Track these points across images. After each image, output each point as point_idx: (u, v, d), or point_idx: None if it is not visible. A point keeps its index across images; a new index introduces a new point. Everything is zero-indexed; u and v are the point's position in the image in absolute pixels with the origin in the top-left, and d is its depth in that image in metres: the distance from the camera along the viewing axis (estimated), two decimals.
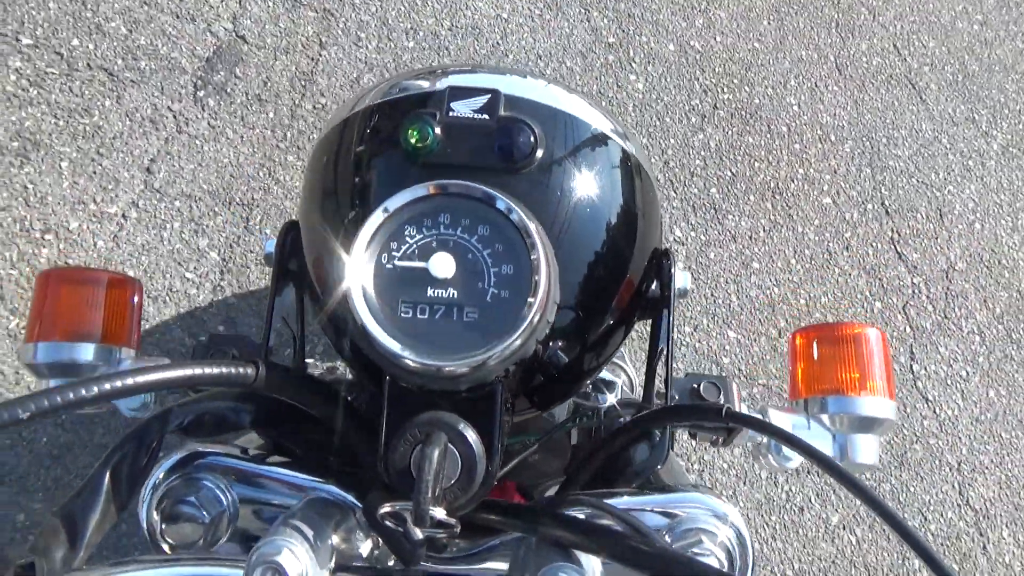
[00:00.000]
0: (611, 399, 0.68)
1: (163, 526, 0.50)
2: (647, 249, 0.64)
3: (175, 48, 2.10)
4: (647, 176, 0.65)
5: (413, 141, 0.54)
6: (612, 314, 0.62)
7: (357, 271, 0.46)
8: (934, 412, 2.27)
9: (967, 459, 2.23)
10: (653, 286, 0.65)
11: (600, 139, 0.61)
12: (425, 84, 0.60)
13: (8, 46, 1.96)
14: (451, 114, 0.56)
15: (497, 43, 2.40)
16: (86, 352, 0.63)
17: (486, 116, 0.56)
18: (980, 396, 2.33)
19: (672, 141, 2.43)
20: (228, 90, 2.10)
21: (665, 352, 0.63)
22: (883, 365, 0.66)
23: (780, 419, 0.66)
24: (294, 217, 0.65)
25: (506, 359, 0.45)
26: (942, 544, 2.09)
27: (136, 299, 0.67)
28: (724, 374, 0.67)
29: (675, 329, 2.13)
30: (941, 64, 2.90)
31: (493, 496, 0.81)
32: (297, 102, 2.14)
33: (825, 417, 0.65)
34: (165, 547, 0.50)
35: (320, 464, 0.55)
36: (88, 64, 2.01)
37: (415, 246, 0.48)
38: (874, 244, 2.46)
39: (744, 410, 0.66)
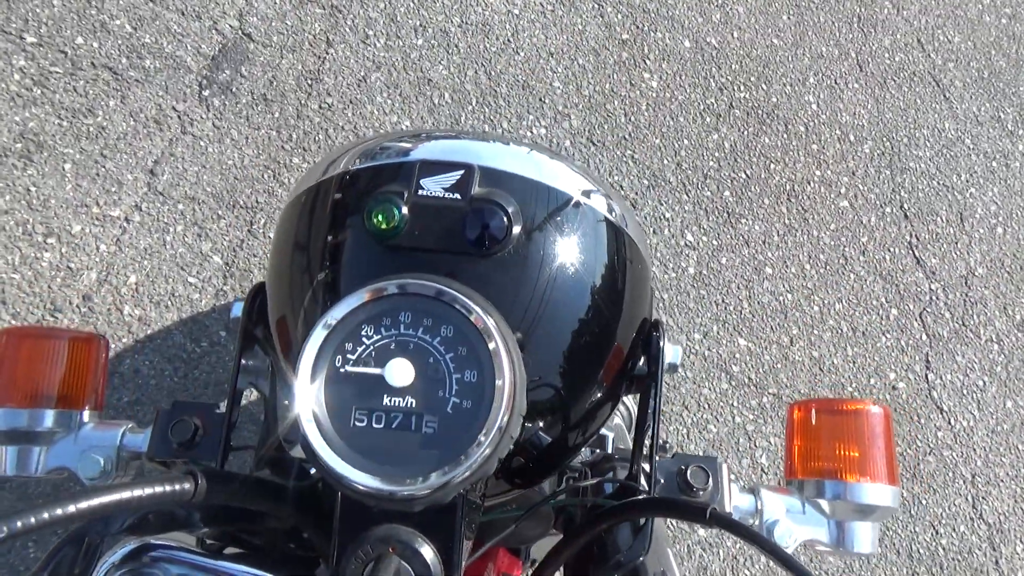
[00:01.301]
0: (590, 478, 0.65)
1: None
2: (635, 321, 0.61)
3: (180, 46, 2.08)
4: (634, 243, 0.61)
5: (378, 223, 0.51)
6: (598, 389, 0.59)
7: (303, 393, 0.43)
8: (949, 423, 2.22)
9: (982, 472, 2.19)
10: (641, 361, 0.62)
11: (583, 210, 0.57)
12: (400, 152, 0.56)
13: (13, 45, 1.95)
14: (420, 193, 0.53)
15: (508, 40, 2.35)
16: (45, 418, 0.61)
17: (457, 196, 0.52)
18: (997, 407, 2.27)
19: (686, 142, 2.37)
20: (233, 89, 2.08)
21: (653, 430, 0.60)
22: (886, 446, 0.62)
23: (772, 502, 0.63)
24: (263, 279, 0.62)
25: (464, 481, 0.42)
26: (953, 559, 2.05)
27: (100, 357, 0.65)
28: (714, 455, 0.63)
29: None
30: (966, 60, 2.81)
31: (478, 562, 0.79)
32: (303, 102, 2.11)
33: (822, 501, 0.62)
34: None
35: (279, 555, 0.53)
36: (92, 63, 1.99)
37: (372, 348, 0.45)
38: (891, 249, 2.40)
39: (735, 492, 0.63)
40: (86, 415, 0.64)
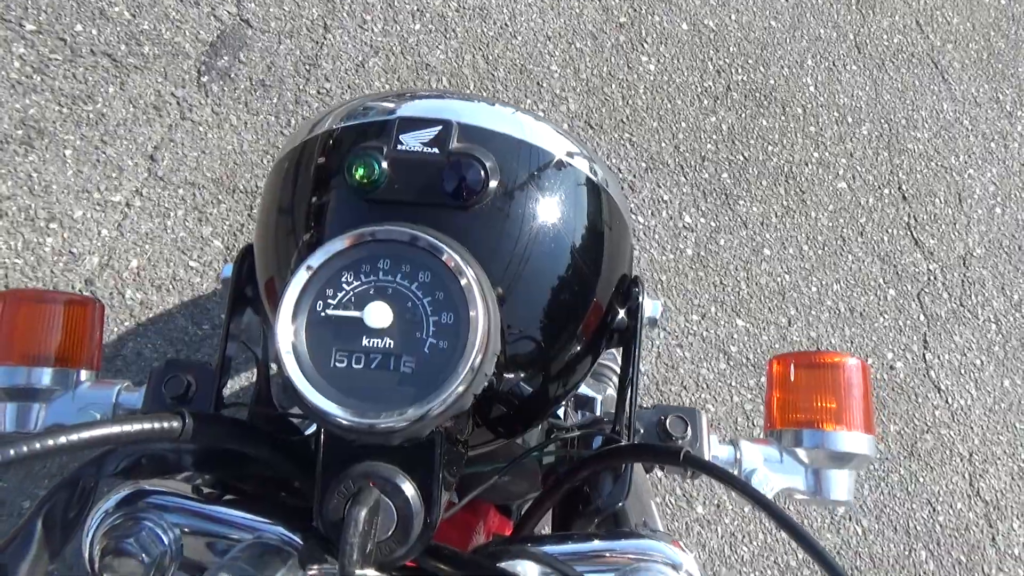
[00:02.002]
0: (575, 431, 0.67)
1: (103, 565, 0.50)
2: (614, 276, 0.63)
3: (179, 32, 2.09)
4: (615, 203, 0.63)
5: (359, 177, 0.53)
6: (577, 342, 0.60)
7: (285, 331, 0.45)
8: (946, 402, 2.23)
9: (979, 450, 2.20)
10: (621, 314, 0.64)
11: (563, 167, 0.58)
12: (381, 111, 0.58)
13: (12, 32, 1.96)
14: (399, 148, 0.54)
15: (505, 24, 2.36)
16: (43, 376, 0.63)
17: (435, 150, 0.54)
18: (994, 385, 2.28)
19: (684, 124, 2.38)
20: (232, 75, 2.09)
21: (632, 382, 0.61)
22: (863, 397, 0.64)
23: (751, 452, 0.64)
24: (251, 240, 0.64)
25: (440, 415, 0.44)
26: (950, 535, 2.07)
27: (95, 320, 0.67)
28: (693, 407, 0.64)
29: (686, 336, 2.09)
30: (965, 41, 2.81)
31: (465, 518, 0.81)
32: (301, 87, 2.12)
33: (800, 451, 0.64)
34: None
35: (270, 502, 0.54)
36: (92, 50, 2.00)
37: (351, 294, 0.46)
38: (889, 230, 2.41)
39: (714, 443, 0.65)
40: (83, 374, 0.65)
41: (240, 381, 1.77)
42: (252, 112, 2.06)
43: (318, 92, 2.12)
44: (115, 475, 0.50)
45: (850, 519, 2.03)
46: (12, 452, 0.36)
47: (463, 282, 0.45)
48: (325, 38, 2.19)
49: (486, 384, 0.46)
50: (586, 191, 0.60)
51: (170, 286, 1.85)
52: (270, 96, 2.09)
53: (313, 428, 0.69)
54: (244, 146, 2.01)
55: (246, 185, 1.97)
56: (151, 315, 1.82)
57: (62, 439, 0.38)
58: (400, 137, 0.54)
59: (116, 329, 1.79)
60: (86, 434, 0.39)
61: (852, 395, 0.63)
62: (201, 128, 2.00)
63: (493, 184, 0.54)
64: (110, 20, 2.05)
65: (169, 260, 1.87)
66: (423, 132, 0.54)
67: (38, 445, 0.37)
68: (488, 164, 0.53)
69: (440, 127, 0.54)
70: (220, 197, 1.95)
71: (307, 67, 2.15)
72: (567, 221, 0.58)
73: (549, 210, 0.57)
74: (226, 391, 0.65)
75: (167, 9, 2.10)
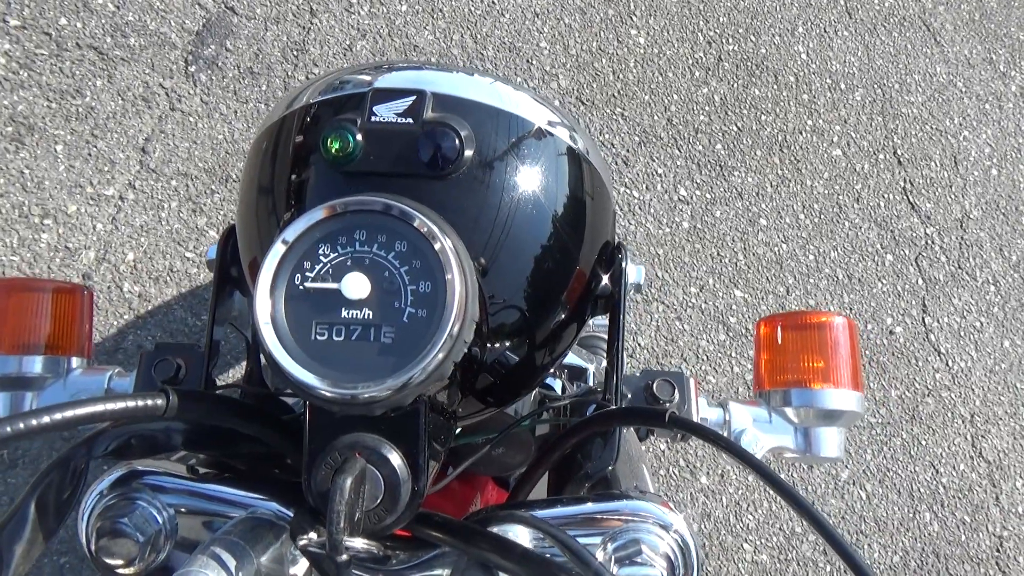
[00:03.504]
0: (565, 400, 0.67)
1: (99, 546, 0.50)
2: (597, 243, 0.63)
3: (164, 23, 2.08)
4: (595, 170, 0.63)
5: (334, 150, 0.52)
6: (562, 310, 0.61)
7: (263, 305, 0.45)
8: (947, 365, 2.23)
9: (980, 411, 2.20)
10: (604, 281, 0.64)
11: (541, 135, 0.58)
12: (357, 84, 0.58)
13: None
14: (373, 119, 0.54)
15: (492, 2, 2.34)
16: (34, 364, 0.63)
17: (410, 120, 0.53)
18: (994, 347, 2.29)
19: (676, 97, 2.37)
20: (219, 64, 2.08)
21: (617, 347, 0.61)
22: (850, 355, 0.64)
23: (740, 412, 0.65)
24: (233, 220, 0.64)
25: (421, 383, 0.44)
26: (954, 496, 2.08)
27: (85, 307, 0.67)
28: (681, 370, 0.65)
29: (685, 307, 2.08)
30: (957, 2, 2.79)
31: (462, 490, 0.82)
32: (290, 73, 2.11)
33: (788, 410, 0.64)
34: (103, 566, 0.50)
35: (262, 478, 0.55)
36: (77, 43, 1.99)
37: (329, 266, 0.46)
38: (886, 195, 2.40)
39: (703, 405, 0.65)
40: (75, 361, 0.66)
41: (234, 368, 1.78)
42: (241, 100, 2.05)
43: (306, 76, 2.11)
44: (106, 455, 0.50)
45: (854, 483, 2.05)
46: None
47: (437, 247, 0.46)
48: (312, 23, 2.18)
49: (466, 351, 0.46)
50: (567, 160, 0.60)
51: (167, 278, 1.85)
52: (259, 83, 2.08)
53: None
54: (235, 135, 2.01)
55: (239, 174, 1.96)
56: (150, 307, 1.82)
57: (45, 418, 0.38)
58: (374, 108, 0.54)
59: (115, 323, 1.79)
60: (71, 412, 0.39)
61: (839, 353, 0.63)
62: (191, 118, 2.00)
63: (469, 153, 0.54)
64: (94, 12, 2.03)
65: (165, 252, 1.87)
66: (397, 103, 0.54)
67: (22, 425, 0.37)
68: (464, 133, 0.53)
69: (414, 97, 0.54)
70: (213, 187, 1.94)
71: (295, 53, 2.14)
72: (547, 189, 0.58)
73: (529, 179, 0.57)
74: (221, 376, 0.66)
75: None
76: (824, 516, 0.44)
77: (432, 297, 0.45)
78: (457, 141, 0.53)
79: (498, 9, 2.33)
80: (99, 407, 0.41)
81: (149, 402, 0.44)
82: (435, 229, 0.46)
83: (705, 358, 2.09)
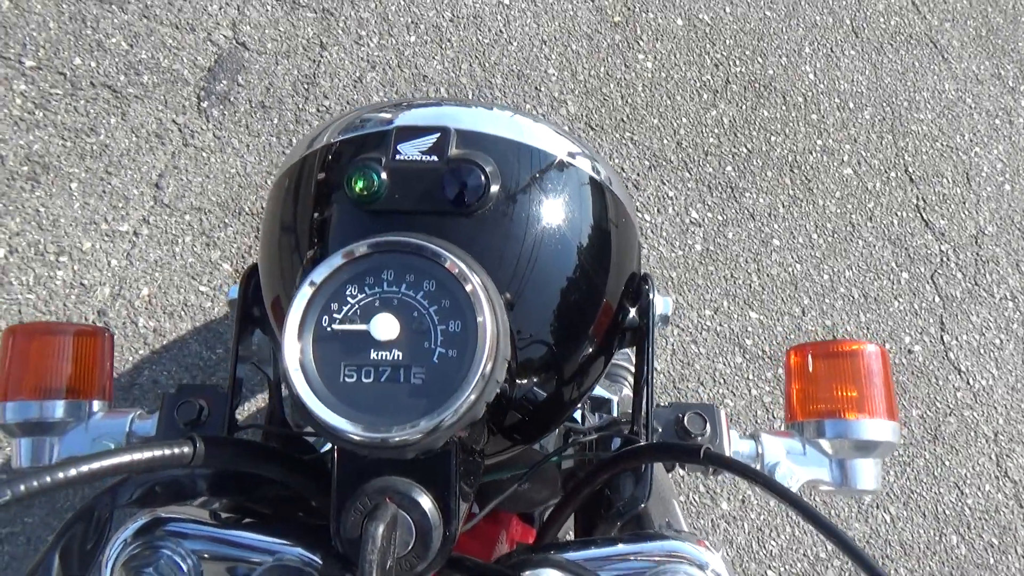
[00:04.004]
0: (592, 434, 0.66)
1: None
2: (623, 275, 0.62)
3: (176, 60, 2.10)
4: (619, 201, 0.62)
5: (358, 189, 0.52)
6: (589, 344, 0.60)
7: (292, 348, 0.45)
8: (967, 383, 2.20)
9: (1004, 429, 2.17)
10: (632, 313, 0.63)
11: (565, 168, 0.58)
12: (380, 122, 0.57)
13: (12, 70, 1.98)
14: (397, 157, 0.53)
15: (500, 31, 2.36)
16: (55, 409, 0.63)
17: (435, 157, 0.53)
18: (1015, 364, 2.26)
19: (685, 120, 2.37)
20: (231, 99, 2.10)
21: (647, 380, 0.60)
22: (884, 384, 0.63)
23: (773, 445, 0.63)
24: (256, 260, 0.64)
25: (453, 425, 0.43)
26: (980, 518, 2.04)
27: (106, 349, 0.67)
28: (712, 403, 0.64)
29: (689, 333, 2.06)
30: (963, 19, 2.79)
31: (487, 528, 0.80)
32: (301, 106, 2.13)
33: (823, 441, 0.63)
34: None
35: (287, 522, 0.54)
36: (91, 82, 2.02)
37: (357, 307, 0.46)
38: (899, 213, 2.39)
39: (735, 438, 0.64)
40: (96, 405, 0.65)
41: (254, 403, 1.77)
42: (253, 134, 2.06)
43: (317, 110, 2.13)
44: (130, 504, 0.50)
45: (878, 507, 2.01)
46: (23, 487, 0.36)
47: (468, 288, 0.45)
48: (322, 56, 2.20)
49: (498, 391, 0.45)
50: (590, 190, 0.59)
51: (182, 312, 1.85)
52: (270, 117, 2.09)
53: (328, 446, 0.68)
54: (247, 168, 2.02)
55: (251, 207, 1.97)
56: (165, 342, 1.83)
57: (72, 471, 0.38)
58: (398, 147, 0.54)
59: (131, 358, 1.79)
60: (98, 464, 0.39)
61: (872, 382, 0.62)
62: (204, 153, 2.01)
63: (495, 189, 0.53)
64: (108, 52, 2.06)
65: (179, 286, 1.87)
66: (421, 140, 0.54)
67: (48, 479, 0.37)
68: (488, 168, 0.53)
69: (438, 134, 0.54)
70: (227, 220, 1.95)
71: (305, 86, 2.15)
72: (572, 222, 0.57)
73: (553, 212, 0.56)
74: (239, 414, 0.65)
75: (163, 37, 2.11)
76: (865, 552, 0.42)
77: (462, 337, 0.45)
78: (483, 177, 0.52)
79: (506, 37, 2.35)
80: (126, 458, 0.40)
81: (176, 450, 0.43)
82: (465, 269, 0.45)
83: (722, 381, 2.07)
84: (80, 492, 1.64)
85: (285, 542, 0.51)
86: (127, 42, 2.08)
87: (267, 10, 2.22)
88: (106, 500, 0.49)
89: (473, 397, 0.43)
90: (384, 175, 0.53)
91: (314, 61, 2.19)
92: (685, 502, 1.93)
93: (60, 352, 0.63)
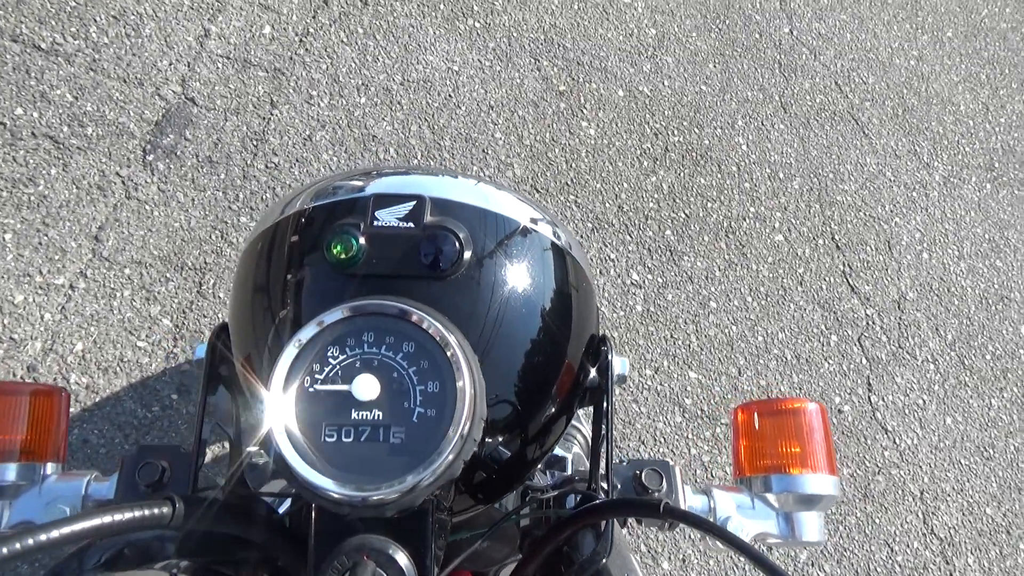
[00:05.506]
0: (551, 491, 0.68)
1: None
2: (584, 337, 0.65)
3: (123, 113, 2.09)
4: (579, 265, 0.65)
5: (337, 253, 0.54)
6: (552, 403, 0.62)
7: (276, 406, 0.46)
8: (894, 442, 2.30)
9: (929, 488, 2.26)
10: (592, 373, 0.66)
11: (529, 234, 0.61)
12: (353, 189, 0.60)
13: None
14: (376, 224, 0.56)
15: (449, 96, 2.42)
16: (8, 472, 0.61)
17: (411, 224, 0.56)
18: (938, 424, 2.37)
19: (626, 185, 2.46)
20: (178, 153, 2.09)
21: (606, 438, 0.63)
22: (823, 440, 0.67)
23: (724, 500, 0.66)
24: (224, 319, 0.64)
25: (432, 484, 0.45)
26: (908, 575, 2.10)
27: (62, 410, 0.65)
28: (667, 460, 0.66)
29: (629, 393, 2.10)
30: (881, 99, 3.00)
31: None
32: (249, 162, 2.13)
33: (770, 496, 0.66)
34: None
35: None
36: (32, 132, 1.99)
37: (338, 368, 0.47)
38: (827, 278, 2.51)
39: (688, 493, 0.67)
40: (49, 467, 0.63)
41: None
42: (199, 188, 2.05)
43: (266, 167, 2.13)
44: (97, 568, 0.49)
45: (812, 564, 2.06)
46: (5, 550, 0.35)
47: (449, 352, 0.47)
48: (272, 114, 2.22)
49: (474, 450, 0.47)
50: (552, 255, 0.62)
51: (117, 368, 1.80)
52: (217, 172, 2.09)
53: (286, 506, 0.68)
54: (192, 223, 2.00)
55: (194, 262, 1.95)
56: (97, 399, 1.77)
57: (54, 533, 0.37)
58: (376, 213, 0.56)
59: None
60: (77, 526, 0.38)
61: (814, 438, 0.66)
62: (147, 206, 1.99)
63: (467, 254, 0.56)
64: (51, 103, 2.04)
65: (116, 341, 1.82)
66: (398, 208, 0.56)
67: (18, 545, 0.36)
68: (461, 235, 0.56)
69: (414, 202, 0.57)
70: (168, 275, 1.92)
71: (254, 142, 2.16)
72: (536, 286, 0.60)
73: (519, 276, 0.59)
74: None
75: (110, 91, 2.10)
76: None
77: (440, 397, 0.47)
78: (457, 244, 0.55)
79: (455, 102, 2.42)
80: (106, 519, 0.40)
81: (156, 511, 0.43)
82: (445, 333, 0.47)
83: (663, 440, 2.10)
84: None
85: None
86: (72, 94, 2.06)
87: (217, 67, 2.24)
88: (72, 565, 0.48)
89: (452, 456, 0.45)
90: (363, 240, 0.55)
91: (263, 118, 2.21)
92: None
93: (15, 413, 0.62)
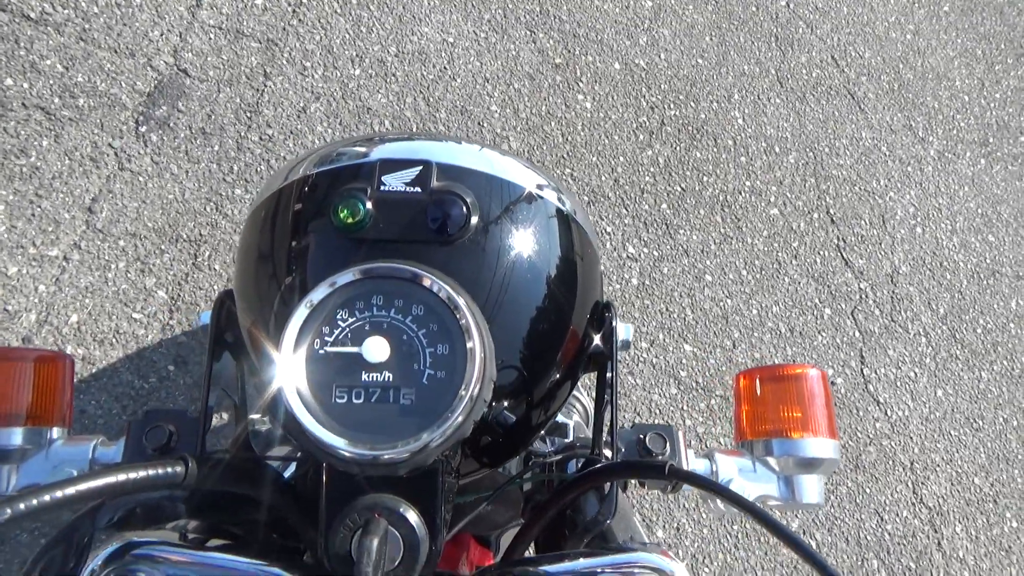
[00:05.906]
0: (554, 456, 0.69)
1: None
2: (588, 303, 0.65)
3: (114, 84, 2.06)
4: (584, 231, 0.66)
5: (344, 218, 0.54)
6: (557, 369, 0.62)
7: (287, 367, 0.46)
8: (885, 414, 2.32)
9: (919, 458, 2.29)
10: (596, 339, 0.66)
11: (534, 200, 0.61)
12: (358, 155, 0.59)
13: None
14: (383, 188, 0.56)
15: (444, 68, 2.40)
16: (14, 436, 0.61)
17: (418, 189, 0.56)
18: (929, 396, 2.39)
19: (622, 159, 2.45)
20: (171, 124, 2.07)
21: (611, 403, 0.63)
22: (824, 405, 0.68)
23: (726, 463, 0.67)
24: (229, 286, 0.64)
25: (443, 443, 0.45)
26: (899, 543, 2.14)
27: (67, 375, 0.65)
28: (670, 423, 0.67)
29: (624, 368, 2.11)
30: (877, 74, 2.99)
31: (448, 550, 0.81)
32: (243, 134, 2.11)
33: (771, 459, 0.67)
34: None
35: (264, 544, 0.54)
36: (23, 103, 1.96)
37: (348, 330, 0.47)
38: (821, 252, 2.52)
39: (691, 457, 0.67)
40: (55, 432, 0.63)
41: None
42: (193, 160, 2.04)
43: (260, 139, 2.12)
44: (109, 527, 0.49)
45: (804, 532, 2.09)
46: (22, 505, 0.35)
47: (459, 315, 0.47)
48: (265, 85, 2.20)
49: (484, 411, 0.48)
50: (557, 222, 0.62)
51: (113, 340, 1.80)
52: (211, 144, 2.07)
53: (291, 471, 0.69)
54: (186, 194, 1.99)
55: (189, 234, 1.94)
56: (94, 370, 1.76)
57: (71, 490, 0.37)
58: (383, 178, 0.56)
59: None
60: (93, 483, 0.39)
61: (815, 404, 0.67)
62: (141, 178, 1.97)
63: (474, 219, 0.56)
64: (42, 73, 2.01)
65: (111, 313, 1.82)
66: (404, 173, 0.56)
67: (36, 501, 0.36)
68: (468, 200, 0.56)
69: (421, 167, 0.56)
70: (163, 247, 1.91)
71: (248, 114, 2.14)
72: (542, 251, 0.60)
73: (524, 242, 0.59)
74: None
75: (101, 61, 2.08)
76: (823, 556, 0.46)
77: (450, 359, 0.47)
78: (464, 208, 0.55)
79: (450, 74, 2.40)
80: (120, 476, 0.40)
81: (169, 469, 0.43)
82: (456, 297, 0.47)
83: (658, 412, 2.12)
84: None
85: (262, 563, 0.52)
86: (63, 65, 2.04)
87: (210, 38, 2.21)
88: (85, 523, 0.48)
89: (462, 417, 0.45)
90: (369, 205, 0.55)
91: (257, 90, 2.19)
92: None
93: (20, 378, 0.62)
